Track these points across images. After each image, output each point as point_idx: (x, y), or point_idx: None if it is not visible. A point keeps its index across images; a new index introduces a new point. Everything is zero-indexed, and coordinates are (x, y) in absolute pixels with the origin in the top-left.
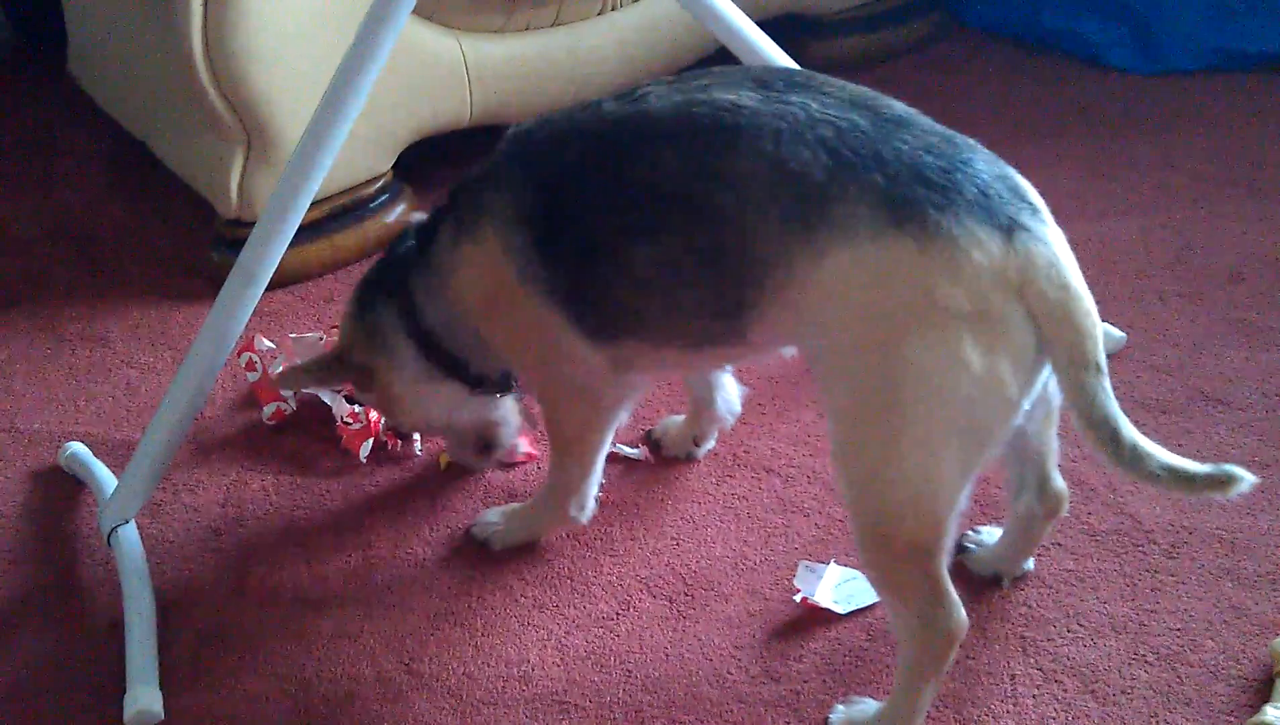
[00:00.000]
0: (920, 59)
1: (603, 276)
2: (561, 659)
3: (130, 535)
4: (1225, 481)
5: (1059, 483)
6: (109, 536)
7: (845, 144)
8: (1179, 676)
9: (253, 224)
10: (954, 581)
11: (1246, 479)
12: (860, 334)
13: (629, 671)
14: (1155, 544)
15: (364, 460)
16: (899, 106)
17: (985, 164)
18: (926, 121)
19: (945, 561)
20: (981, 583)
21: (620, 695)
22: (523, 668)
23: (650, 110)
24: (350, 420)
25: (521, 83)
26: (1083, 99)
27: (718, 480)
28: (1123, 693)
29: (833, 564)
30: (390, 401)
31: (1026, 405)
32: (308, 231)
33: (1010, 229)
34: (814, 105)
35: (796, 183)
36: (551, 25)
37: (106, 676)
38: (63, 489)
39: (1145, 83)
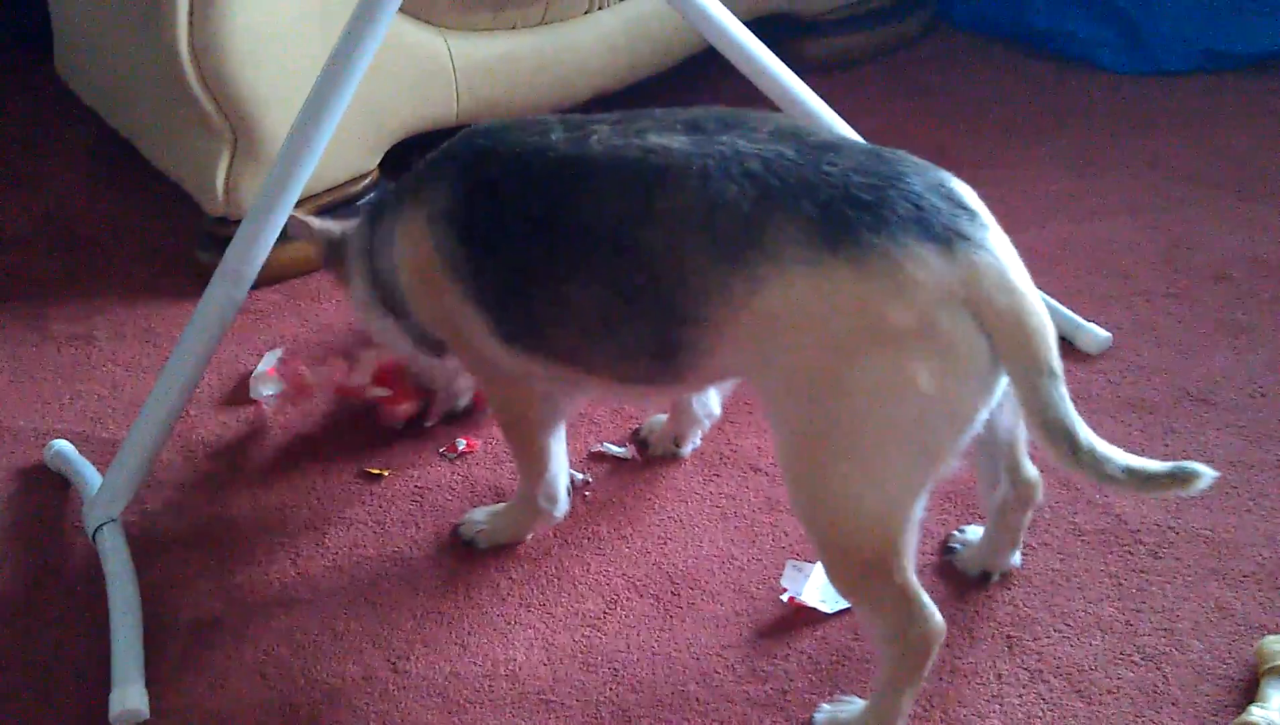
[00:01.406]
0: (909, 59)
1: (526, 304)
2: (548, 658)
3: (115, 533)
4: (1186, 479)
5: (1031, 470)
6: (94, 534)
7: (772, 174)
8: (1165, 676)
9: (239, 222)
10: (941, 580)
11: (1206, 475)
12: (805, 361)
13: (616, 670)
14: (1141, 544)
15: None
16: (826, 132)
17: (917, 175)
18: (854, 143)
19: (910, 569)
20: (967, 582)
21: (607, 694)
22: (509, 666)
23: (587, 153)
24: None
25: (508, 81)
26: (1071, 99)
27: (705, 479)
28: (1109, 692)
29: (819, 563)
30: (355, 306)
31: (984, 415)
32: None
33: (949, 240)
34: (741, 142)
35: (724, 216)
36: (538, 24)
37: (92, 675)
38: (48, 487)
39: (1133, 83)
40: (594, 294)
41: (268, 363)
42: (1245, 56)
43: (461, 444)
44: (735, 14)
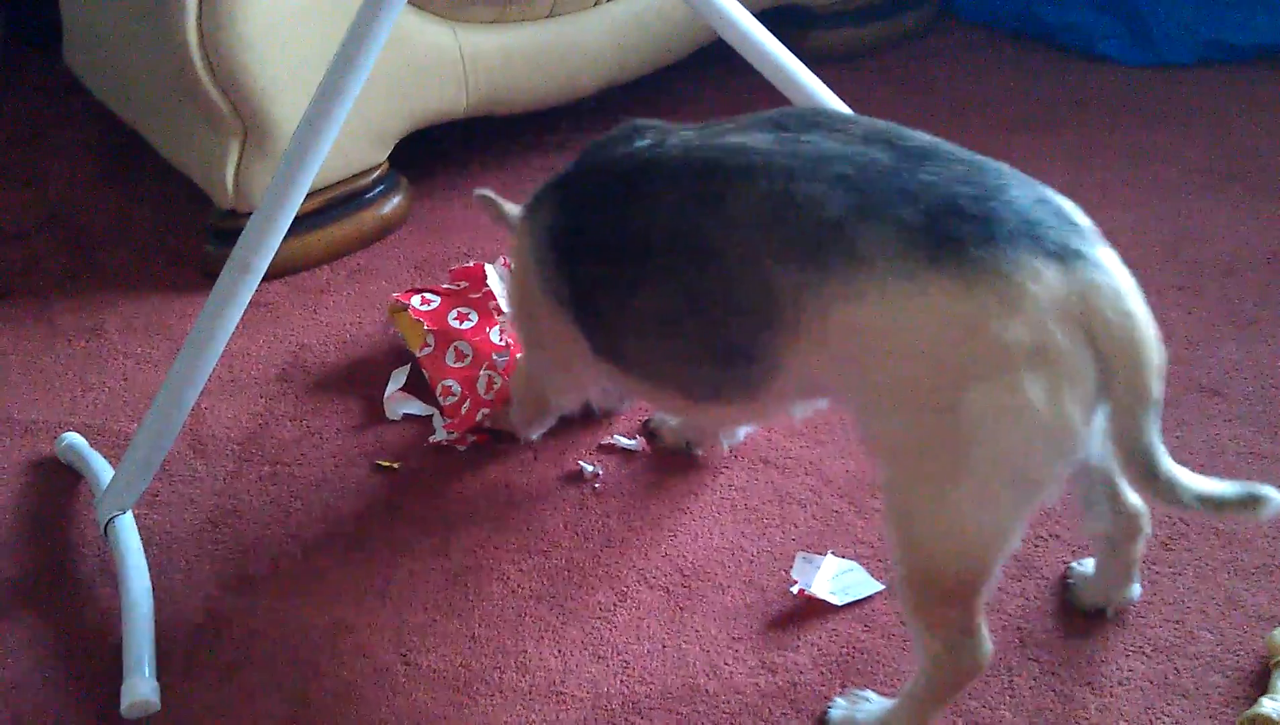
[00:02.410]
0: (914, 51)
1: (606, 316)
2: (559, 650)
3: (127, 526)
4: (1255, 503)
5: (1133, 499)
6: (105, 527)
7: (865, 179)
8: (1176, 668)
9: (248, 215)
10: None
11: (1275, 499)
12: (908, 379)
13: (626, 662)
14: (1153, 536)
15: (444, 436)
16: (922, 137)
17: (1021, 188)
18: (952, 149)
19: (984, 598)
20: None
21: (617, 686)
22: (520, 658)
23: (664, 153)
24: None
25: (517, 74)
26: (1077, 91)
27: (715, 472)
28: (1119, 684)
29: (830, 555)
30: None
31: (1087, 440)
32: (303, 222)
33: (1064, 256)
34: (828, 143)
35: (809, 220)
36: (547, 16)
37: (103, 668)
38: (59, 480)
39: (1139, 75)
40: (665, 300)
41: (397, 382)
42: (1252, 48)
43: (445, 434)
44: (743, 5)
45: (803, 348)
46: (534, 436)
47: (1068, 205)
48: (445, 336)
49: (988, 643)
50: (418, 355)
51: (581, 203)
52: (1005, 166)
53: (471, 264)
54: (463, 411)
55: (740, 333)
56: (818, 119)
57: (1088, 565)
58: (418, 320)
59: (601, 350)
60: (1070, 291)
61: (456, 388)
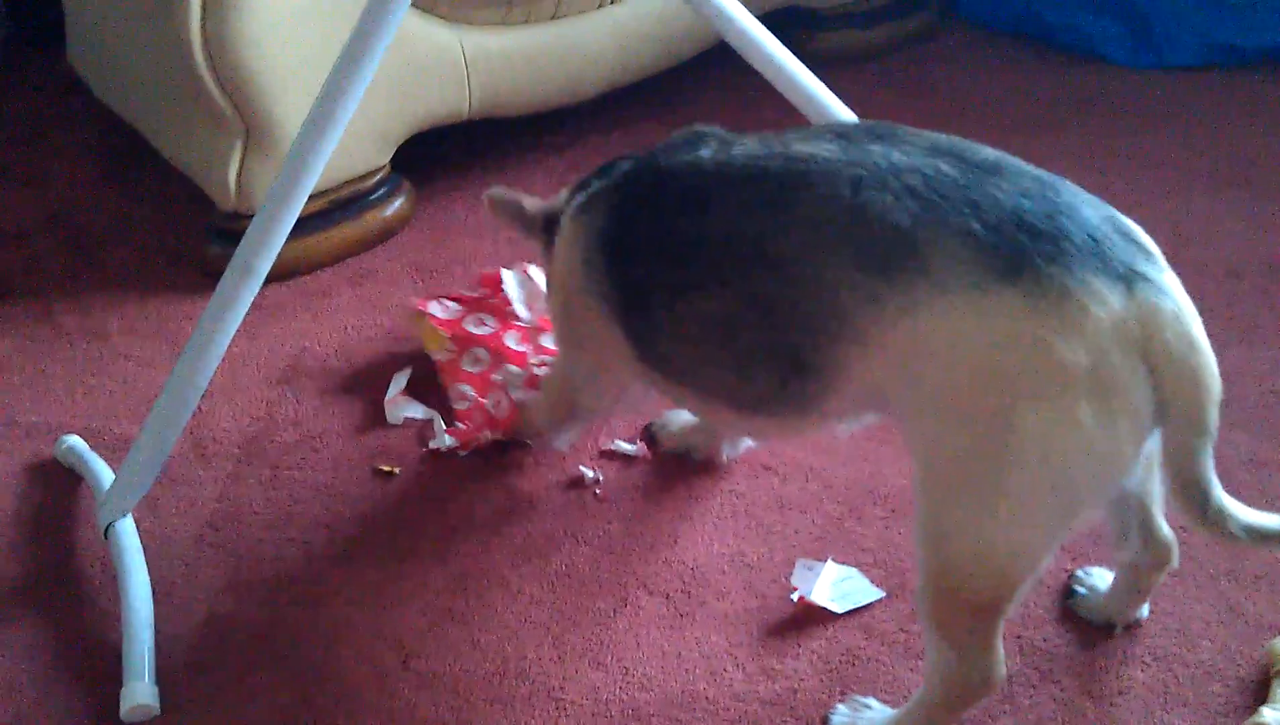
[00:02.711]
0: (918, 53)
1: (661, 324)
2: (559, 656)
3: (127, 529)
4: None
5: (1165, 531)
6: (106, 530)
7: (933, 190)
8: (1176, 677)
9: (251, 217)
10: None
11: None
12: (962, 389)
13: (626, 668)
14: None
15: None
16: (988, 151)
17: (1090, 208)
18: (1019, 164)
19: (1004, 617)
20: None
21: (617, 692)
22: (520, 664)
23: (729, 164)
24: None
25: (520, 76)
26: (1080, 93)
27: (715, 478)
28: (1119, 693)
29: (830, 562)
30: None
31: (1135, 466)
32: (306, 224)
33: (1129, 278)
34: (895, 154)
35: (877, 229)
36: (551, 18)
37: (103, 671)
38: (59, 482)
39: (1143, 77)
40: (724, 308)
41: (398, 386)
42: (1256, 51)
43: (449, 440)
44: (747, 8)
45: (867, 359)
46: (561, 444)
47: (1134, 227)
48: (464, 342)
49: (1002, 665)
50: (436, 360)
51: (640, 206)
52: (1071, 184)
53: (492, 270)
54: (486, 408)
55: (803, 343)
56: (882, 131)
57: (1094, 575)
58: (437, 328)
59: (649, 356)
60: (1132, 315)
61: (471, 393)
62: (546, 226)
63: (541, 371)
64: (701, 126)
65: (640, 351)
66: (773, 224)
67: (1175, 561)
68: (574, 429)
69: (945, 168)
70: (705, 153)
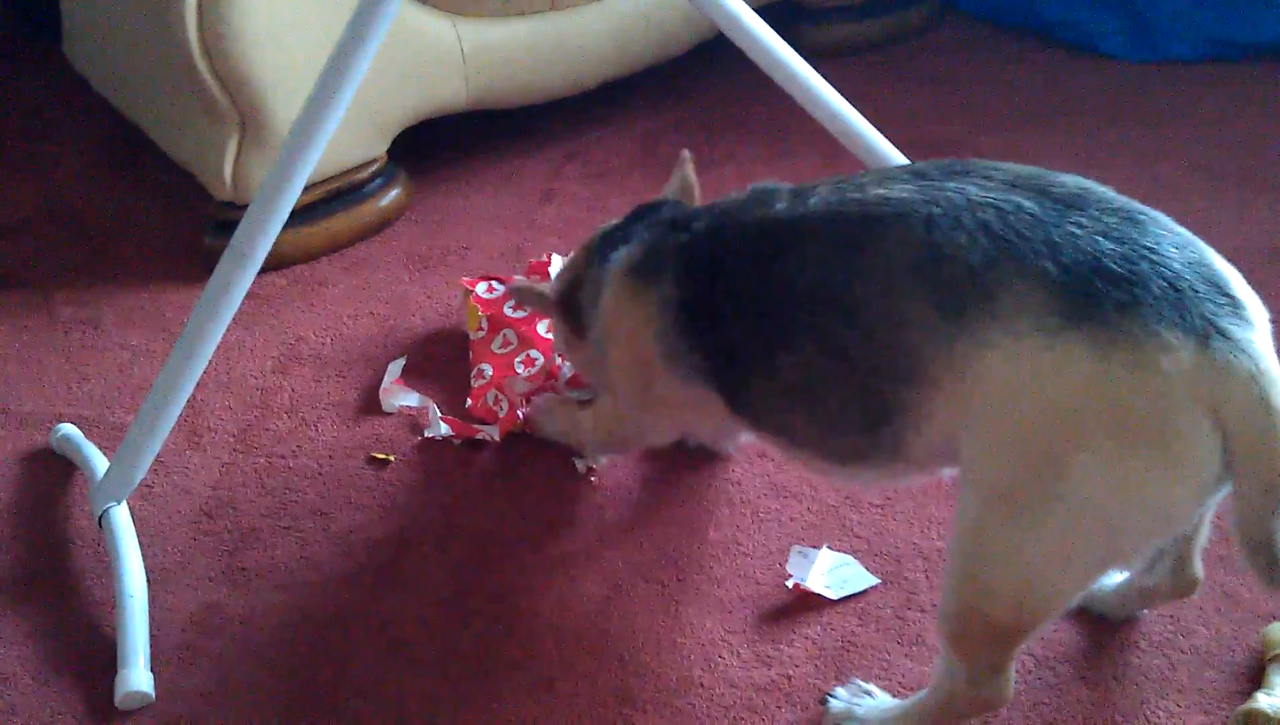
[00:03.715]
0: (915, 46)
1: (745, 377)
2: (554, 643)
3: (122, 517)
4: None
5: (1197, 568)
6: (100, 518)
7: (1009, 228)
8: (1171, 663)
9: (246, 207)
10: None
11: None
12: (1022, 427)
13: (621, 655)
14: None
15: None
16: (1071, 183)
17: (1176, 250)
18: (1104, 195)
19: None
20: None
21: (612, 679)
22: (514, 651)
23: (807, 214)
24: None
25: (516, 67)
26: (1078, 88)
27: (711, 465)
28: (1115, 679)
29: (825, 549)
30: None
31: (1194, 520)
32: (302, 215)
33: (1206, 334)
34: (972, 189)
35: (951, 268)
36: (547, 10)
37: (97, 658)
38: (54, 470)
39: (1141, 72)
40: (805, 358)
41: (393, 374)
42: (1254, 46)
43: (444, 429)
44: (744, 1)
45: (941, 402)
46: (601, 459)
47: (1228, 273)
48: (497, 323)
49: (1011, 684)
50: (471, 340)
51: (718, 268)
52: (1162, 218)
53: (545, 257)
54: (486, 401)
55: (880, 389)
56: (959, 167)
57: None
58: (478, 307)
59: (743, 411)
60: (1204, 372)
61: (489, 372)
62: (565, 300)
63: (564, 366)
64: (763, 183)
65: (733, 405)
66: (849, 271)
67: (1197, 594)
68: (623, 453)
69: (1024, 202)
70: (780, 206)
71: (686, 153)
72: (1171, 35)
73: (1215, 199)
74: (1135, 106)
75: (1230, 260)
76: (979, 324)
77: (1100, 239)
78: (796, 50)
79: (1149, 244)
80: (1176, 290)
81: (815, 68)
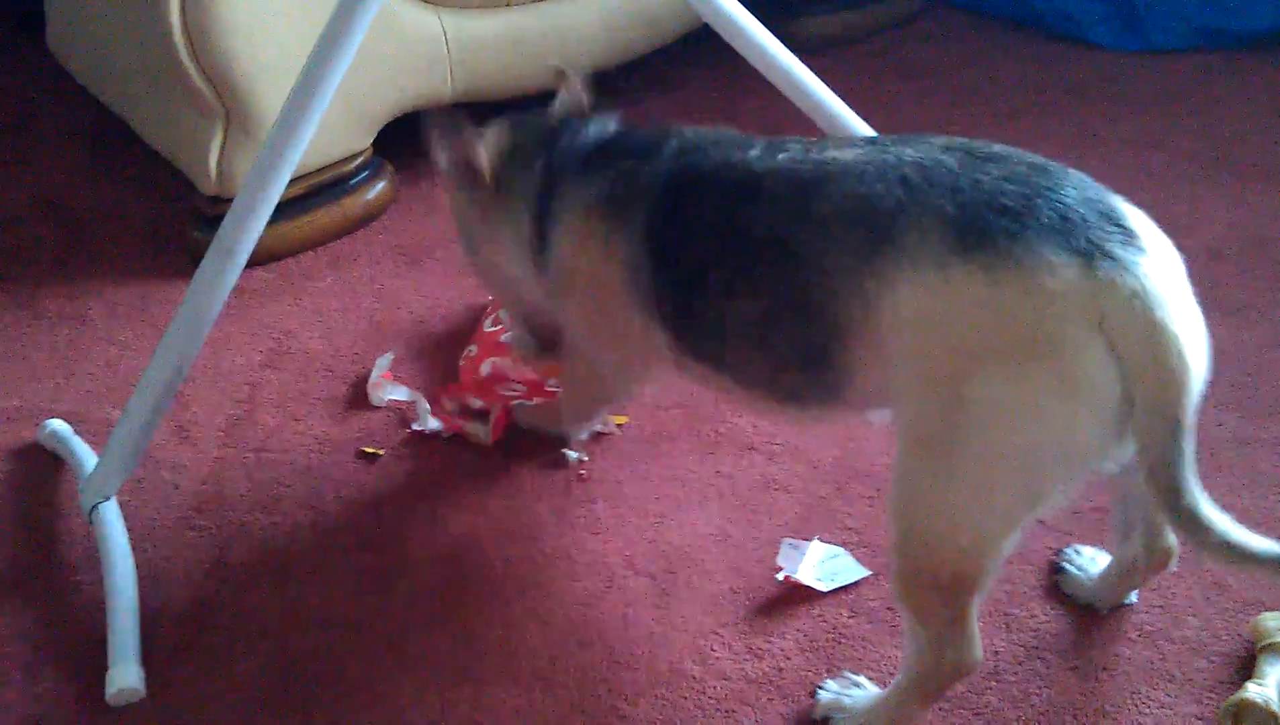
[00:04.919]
0: (903, 37)
1: (703, 320)
2: (545, 636)
3: (111, 513)
4: None
5: (1170, 538)
6: (90, 514)
7: (926, 179)
8: (1161, 653)
9: (232, 201)
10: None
11: None
12: (928, 367)
13: (612, 648)
14: None
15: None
16: (999, 147)
17: (1074, 189)
18: (1024, 155)
19: (978, 599)
20: None
21: (603, 672)
22: (506, 645)
23: (773, 167)
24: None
25: (503, 59)
26: (1067, 77)
27: (700, 457)
28: (1105, 669)
29: (815, 541)
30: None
31: (1110, 456)
32: (287, 209)
33: (1090, 255)
34: (909, 152)
35: (868, 214)
36: (533, 1)
37: (88, 655)
38: (42, 466)
39: (1130, 61)
40: (758, 304)
41: (381, 368)
42: (1242, 34)
43: (433, 422)
44: None
45: (864, 343)
46: (583, 434)
47: (1129, 212)
48: (496, 303)
49: (978, 646)
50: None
51: (689, 205)
52: (1080, 174)
53: None
54: (464, 377)
55: (815, 335)
56: (913, 137)
57: (1084, 555)
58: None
59: (689, 348)
60: (1089, 292)
61: (474, 350)
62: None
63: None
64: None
65: (679, 343)
66: (797, 220)
67: (1174, 566)
68: (597, 419)
69: (946, 159)
70: (754, 154)
71: (566, 69)
72: (1159, 24)
73: (1203, 187)
74: (1124, 95)
75: (1218, 248)
76: (884, 262)
77: (1004, 181)
78: (783, 42)
79: (1048, 185)
80: (1066, 219)
81: (803, 58)
